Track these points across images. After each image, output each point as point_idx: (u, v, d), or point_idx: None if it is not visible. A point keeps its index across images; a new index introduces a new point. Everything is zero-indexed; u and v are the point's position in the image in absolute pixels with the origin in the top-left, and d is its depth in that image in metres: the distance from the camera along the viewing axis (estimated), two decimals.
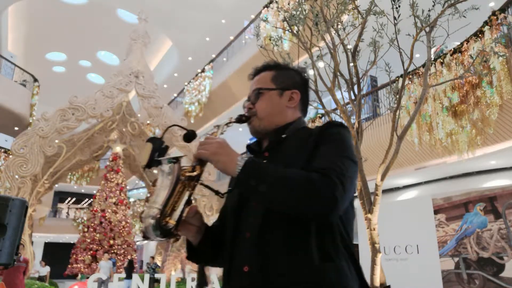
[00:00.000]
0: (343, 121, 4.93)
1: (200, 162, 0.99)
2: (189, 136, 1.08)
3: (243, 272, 0.96)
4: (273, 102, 1.15)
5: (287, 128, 1.12)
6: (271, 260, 0.93)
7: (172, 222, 0.92)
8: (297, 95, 1.17)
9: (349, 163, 0.96)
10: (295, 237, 0.94)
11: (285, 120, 1.14)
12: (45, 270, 13.22)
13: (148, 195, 1.01)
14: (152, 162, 0.97)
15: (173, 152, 11.07)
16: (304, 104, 1.22)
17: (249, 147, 1.20)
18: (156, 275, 8.54)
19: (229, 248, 1.04)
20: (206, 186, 1.04)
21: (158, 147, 0.99)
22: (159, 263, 10.50)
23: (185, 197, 0.96)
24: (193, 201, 1.00)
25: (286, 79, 1.18)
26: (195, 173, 0.97)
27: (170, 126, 1.19)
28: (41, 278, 12.81)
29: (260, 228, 0.96)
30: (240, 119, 1.13)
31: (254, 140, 1.23)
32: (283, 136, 1.11)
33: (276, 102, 1.15)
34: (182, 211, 0.95)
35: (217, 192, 1.08)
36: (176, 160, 0.97)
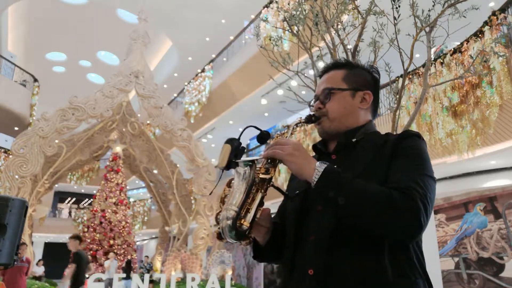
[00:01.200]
0: None
1: (273, 163, 0.97)
2: (263, 136, 1.04)
3: (308, 275, 0.93)
4: (345, 103, 1.10)
5: (357, 132, 1.08)
6: (339, 267, 0.90)
7: (246, 224, 0.92)
8: (369, 96, 1.12)
9: (430, 182, 0.92)
10: (368, 249, 0.90)
11: (357, 123, 1.10)
12: (41, 270, 13.21)
13: (223, 196, 1.01)
14: (230, 164, 0.97)
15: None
16: (375, 106, 1.16)
17: (315, 147, 1.16)
18: (155, 276, 8.54)
19: (291, 250, 1.01)
20: (277, 188, 1.02)
21: (236, 148, 0.98)
22: (159, 263, 10.49)
23: (258, 199, 0.95)
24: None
25: (358, 78, 1.13)
26: (269, 176, 0.96)
27: (248, 126, 1.11)
28: (37, 278, 12.80)
29: (327, 232, 0.93)
30: (309, 119, 1.10)
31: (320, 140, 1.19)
32: (354, 140, 1.06)
33: (348, 103, 1.10)
34: (256, 213, 0.95)
35: (286, 195, 1.07)
36: (252, 162, 0.95)
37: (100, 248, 11.24)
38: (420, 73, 7.34)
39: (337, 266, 0.90)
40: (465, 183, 8.40)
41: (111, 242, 11.40)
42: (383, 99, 9.15)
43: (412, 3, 3.96)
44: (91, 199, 20.07)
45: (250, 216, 0.93)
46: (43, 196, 10.36)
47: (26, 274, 6.08)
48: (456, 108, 6.53)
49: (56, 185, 12.22)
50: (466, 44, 6.62)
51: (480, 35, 6.36)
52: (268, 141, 1.07)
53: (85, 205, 25.32)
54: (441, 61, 6.91)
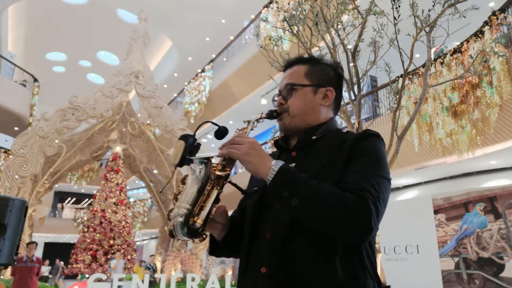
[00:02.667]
0: (343, 121, 4.93)
1: (230, 160, 0.97)
2: (221, 132, 1.03)
3: (260, 273, 0.93)
4: (307, 99, 1.09)
5: (318, 129, 1.07)
6: (291, 267, 0.91)
7: (199, 221, 0.91)
8: (331, 93, 1.11)
9: (385, 183, 0.92)
10: (321, 249, 0.91)
11: (318, 120, 1.09)
12: (47, 270, 13.21)
13: (177, 193, 0.99)
14: (184, 161, 0.95)
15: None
16: (337, 103, 1.15)
17: (276, 142, 1.15)
18: (156, 276, 8.54)
19: (246, 244, 1.02)
20: (234, 185, 1.01)
21: (191, 145, 0.96)
22: (158, 264, 10.49)
23: (214, 196, 0.94)
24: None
25: (321, 74, 1.12)
26: (225, 173, 0.95)
27: (204, 123, 1.10)
28: (43, 279, 12.79)
29: (282, 231, 0.94)
30: (270, 115, 1.09)
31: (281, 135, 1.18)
32: (314, 137, 1.06)
33: (310, 99, 1.09)
34: (210, 210, 0.94)
35: (244, 192, 1.06)
36: (207, 159, 0.95)
37: (100, 248, 11.24)
38: (420, 73, 7.34)
39: (289, 265, 0.91)
40: (465, 183, 8.40)
41: (111, 242, 11.40)
42: (383, 99, 9.15)
43: (412, 3, 3.96)
44: (91, 199, 20.06)
45: (204, 213, 0.92)
46: (43, 196, 10.36)
47: (38, 275, 5.95)
48: (456, 108, 6.53)
49: (56, 185, 12.22)
50: (466, 44, 6.62)
51: (480, 35, 6.36)
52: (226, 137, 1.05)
53: (85, 205, 25.33)
54: (441, 61, 6.91)
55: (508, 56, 5.77)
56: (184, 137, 0.97)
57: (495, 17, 6.17)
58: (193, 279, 6.54)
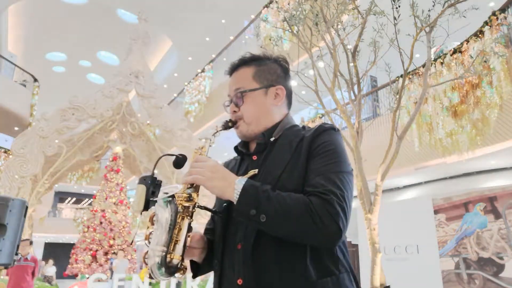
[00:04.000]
0: (343, 121, 4.93)
1: (195, 188, 0.96)
2: (179, 162, 1.02)
3: (237, 284, 0.93)
4: (259, 103, 1.07)
5: (275, 129, 1.07)
6: (266, 275, 0.91)
7: (177, 257, 0.90)
8: (282, 91, 1.10)
9: (347, 178, 0.93)
10: (290, 252, 0.91)
11: (273, 120, 1.08)
12: (52, 270, 13.17)
13: (148, 233, 0.97)
14: (148, 204, 0.94)
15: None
16: (289, 97, 1.14)
17: (236, 148, 1.15)
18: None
19: (219, 257, 1.01)
20: (204, 208, 1.01)
21: (152, 186, 0.95)
22: None
23: (186, 227, 0.93)
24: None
25: (268, 73, 1.10)
26: (192, 203, 0.94)
27: (160, 157, 1.08)
28: (48, 279, 12.76)
29: (253, 241, 0.94)
30: (226, 126, 1.08)
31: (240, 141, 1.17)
32: (272, 139, 1.05)
33: (261, 102, 1.08)
34: (185, 242, 0.93)
35: (215, 212, 1.06)
36: (172, 197, 0.93)
37: (100, 248, 11.24)
38: (420, 73, 7.34)
39: (264, 274, 0.91)
40: (465, 183, 8.39)
41: (111, 242, 11.40)
42: (383, 99, 9.15)
43: (412, 3, 3.96)
44: (91, 199, 20.06)
45: (179, 247, 0.91)
46: (43, 196, 10.36)
47: (34, 275, 5.57)
48: (456, 108, 6.53)
49: (56, 185, 12.22)
50: (466, 44, 6.61)
51: (480, 35, 6.35)
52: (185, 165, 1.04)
53: (85, 205, 25.33)
54: (441, 61, 6.91)
55: (508, 56, 5.77)
56: (143, 180, 0.96)
57: (495, 17, 6.17)
58: (193, 279, 6.54)
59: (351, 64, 4.61)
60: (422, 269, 8.52)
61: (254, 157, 1.06)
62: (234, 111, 1.09)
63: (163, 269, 0.89)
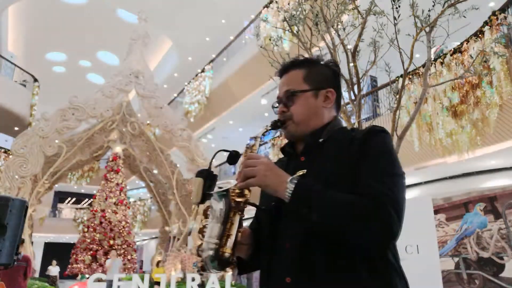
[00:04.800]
0: (343, 121, 4.93)
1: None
2: (233, 157, 1.03)
3: (286, 283, 0.94)
4: (309, 105, 1.09)
5: (323, 131, 1.07)
6: (315, 275, 0.91)
7: (228, 251, 0.93)
8: (332, 94, 1.11)
9: (400, 181, 0.93)
10: (342, 253, 0.90)
11: (322, 122, 1.09)
12: (56, 270, 13.17)
13: (202, 226, 1.00)
14: (205, 197, 0.98)
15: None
16: (338, 101, 1.15)
17: (283, 149, 1.15)
18: (156, 275, 8.52)
19: (267, 256, 1.02)
20: (253, 205, 1.03)
21: (208, 179, 0.99)
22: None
23: (237, 223, 0.96)
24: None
25: (319, 76, 1.11)
26: (244, 199, 0.97)
27: (217, 152, 1.09)
28: (52, 279, 12.76)
29: (302, 240, 0.94)
30: (275, 125, 1.09)
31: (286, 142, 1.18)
32: (320, 140, 1.05)
33: (312, 104, 1.09)
34: (236, 237, 0.95)
35: (263, 210, 1.08)
36: (226, 191, 0.96)
37: (100, 248, 11.24)
38: (420, 73, 7.34)
39: (313, 273, 0.91)
40: (465, 183, 8.39)
41: (111, 242, 11.40)
42: (383, 99, 9.15)
43: (412, 3, 3.96)
44: (91, 199, 20.05)
45: (231, 241, 0.94)
46: (43, 196, 10.36)
47: (26, 276, 5.34)
48: (456, 108, 6.53)
49: (56, 185, 12.22)
50: (466, 44, 6.61)
51: (480, 35, 6.35)
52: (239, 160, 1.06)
53: (85, 205, 25.33)
54: (441, 61, 6.91)
55: (508, 56, 5.77)
56: (200, 173, 0.99)
57: (495, 17, 6.17)
58: (193, 279, 6.54)
59: (351, 64, 4.61)
60: (422, 269, 8.52)
61: (302, 158, 1.07)
62: (283, 111, 1.10)
63: (216, 262, 0.92)
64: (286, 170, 0.99)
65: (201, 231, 0.97)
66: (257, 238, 1.09)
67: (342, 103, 4.83)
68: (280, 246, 0.99)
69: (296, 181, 0.91)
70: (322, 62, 1.15)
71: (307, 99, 1.09)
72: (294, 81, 1.11)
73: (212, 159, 1.08)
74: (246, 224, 1.11)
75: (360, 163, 0.94)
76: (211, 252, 0.92)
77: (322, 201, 0.88)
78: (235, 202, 0.96)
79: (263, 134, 1.07)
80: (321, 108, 1.10)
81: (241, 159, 1.01)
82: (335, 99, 1.13)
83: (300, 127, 1.08)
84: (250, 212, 1.03)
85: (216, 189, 0.97)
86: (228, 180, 0.97)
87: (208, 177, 0.99)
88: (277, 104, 1.14)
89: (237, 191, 0.97)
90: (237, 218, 0.96)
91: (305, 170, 0.99)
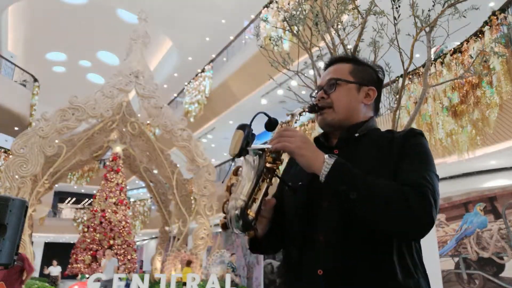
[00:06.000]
0: None
1: (280, 154, 0.95)
2: (272, 124, 1.00)
3: (318, 275, 0.92)
4: (351, 96, 1.09)
5: (360, 127, 1.07)
6: (351, 268, 0.90)
7: (252, 214, 0.91)
8: (373, 92, 1.12)
9: (436, 179, 0.94)
10: (377, 249, 0.91)
11: (359, 117, 1.09)
12: (57, 271, 13.16)
13: (230, 184, 0.98)
14: (242, 151, 0.94)
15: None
16: (377, 103, 1.16)
17: (317, 140, 1.14)
18: (156, 275, 8.52)
19: (297, 247, 0.99)
20: (281, 179, 1.00)
21: (247, 135, 0.95)
22: (159, 264, 10.49)
23: (264, 189, 0.94)
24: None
25: (365, 74, 1.13)
26: (275, 166, 0.94)
27: (259, 113, 1.04)
28: (53, 279, 12.75)
29: (338, 233, 0.93)
30: (313, 109, 1.07)
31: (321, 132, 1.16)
32: (356, 135, 1.05)
33: (353, 96, 1.09)
34: (261, 204, 0.93)
35: (289, 187, 1.04)
36: (263, 151, 0.93)
37: (100, 248, 11.24)
38: (420, 73, 7.34)
39: (347, 267, 0.90)
40: (465, 183, 8.40)
41: (111, 242, 11.40)
42: (383, 99, 9.15)
43: (412, 3, 3.96)
44: (91, 199, 20.05)
45: (256, 206, 0.91)
46: (43, 196, 10.36)
47: (23, 275, 5.18)
48: (456, 108, 6.53)
49: (56, 185, 12.22)
50: (466, 44, 6.62)
51: (480, 35, 6.36)
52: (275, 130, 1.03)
53: (85, 205, 25.32)
54: (441, 61, 6.91)
55: (508, 56, 5.77)
56: (242, 127, 0.96)
57: (495, 17, 6.17)
58: (193, 279, 6.54)
59: None
60: None
61: (336, 151, 1.05)
62: (322, 97, 1.09)
63: (241, 221, 0.89)
64: None
65: (229, 189, 0.95)
66: (275, 220, 1.05)
67: None
68: (312, 237, 0.96)
69: (335, 158, 0.90)
70: (369, 64, 1.17)
71: (349, 90, 1.09)
72: (339, 72, 1.11)
73: (253, 119, 1.04)
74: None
75: (400, 162, 0.95)
76: (237, 211, 0.89)
77: (362, 179, 0.87)
78: (266, 168, 0.93)
79: (300, 114, 1.05)
80: (361, 104, 1.10)
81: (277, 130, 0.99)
82: (374, 100, 1.13)
83: (338, 116, 1.07)
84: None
85: (253, 147, 0.94)
86: (264, 145, 0.96)
87: (248, 133, 0.95)
88: (316, 93, 1.13)
89: (272, 156, 0.94)
90: (265, 185, 0.93)
91: None
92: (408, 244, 0.95)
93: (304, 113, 1.05)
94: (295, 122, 1.04)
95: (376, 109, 1.17)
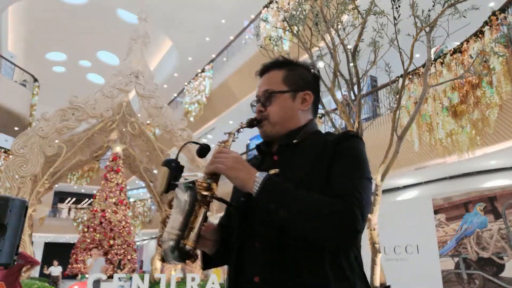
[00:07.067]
0: (343, 121, 4.93)
1: (215, 178, 0.97)
2: (203, 150, 1.04)
3: (254, 282, 0.94)
4: (286, 106, 1.10)
5: (299, 132, 1.09)
6: (285, 275, 0.91)
7: (190, 244, 0.93)
8: (310, 97, 1.13)
9: (367, 184, 0.96)
10: (310, 253, 0.92)
11: (298, 124, 1.10)
12: (58, 270, 13.15)
13: (165, 217, 1.00)
14: (170, 187, 0.96)
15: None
16: (315, 104, 1.17)
17: (258, 147, 1.16)
18: (156, 275, 8.51)
19: (236, 254, 1.02)
20: (220, 200, 1.02)
21: (175, 170, 0.98)
22: (159, 264, 10.49)
23: (201, 216, 0.95)
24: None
25: (298, 79, 1.13)
26: (211, 192, 0.96)
27: (185, 144, 1.13)
28: (53, 279, 12.74)
29: (272, 240, 0.95)
30: (251, 123, 1.10)
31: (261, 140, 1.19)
32: (295, 141, 1.07)
33: (289, 105, 1.10)
34: (199, 231, 0.95)
35: (232, 205, 1.08)
36: (192, 183, 0.96)
37: (100, 248, 11.24)
38: (420, 73, 7.34)
39: (282, 273, 0.92)
40: (465, 183, 8.40)
41: (111, 242, 11.40)
42: (383, 99, 9.15)
43: (412, 3, 3.96)
44: (91, 199, 20.05)
45: (193, 234, 0.94)
46: (43, 196, 10.36)
47: (20, 271, 5.15)
48: (456, 108, 6.53)
49: (56, 185, 12.22)
50: (466, 44, 6.61)
51: (480, 35, 6.35)
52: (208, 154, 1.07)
53: (85, 205, 25.32)
54: (441, 61, 6.91)
55: (508, 56, 5.77)
56: (167, 163, 0.98)
57: (495, 17, 6.17)
58: (193, 279, 6.53)
59: (351, 64, 4.61)
60: (422, 269, 8.52)
61: (275, 158, 1.07)
62: (260, 111, 1.11)
63: (176, 253, 0.92)
64: (259, 168, 1.00)
65: (164, 222, 0.98)
66: (226, 235, 1.09)
67: (343, 103, 4.83)
68: (249, 245, 0.99)
69: (265, 175, 0.92)
70: (303, 65, 1.16)
71: (284, 101, 1.10)
72: (273, 81, 1.12)
73: (180, 150, 1.09)
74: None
75: (331, 165, 0.96)
76: (171, 243, 0.91)
77: (290, 197, 0.89)
78: (201, 195, 0.96)
79: (238, 131, 1.07)
80: (298, 111, 1.11)
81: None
82: (312, 102, 1.14)
83: (275, 128, 1.09)
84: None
85: (182, 180, 0.96)
86: (195, 173, 0.98)
87: (174, 167, 0.98)
88: (255, 103, 1.15)
89: (204, 184, 0.96)
90: (202, 211, 0.95)
91: (278, 170, 1.01)
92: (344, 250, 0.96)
93: (242, 130, 1.08)
94: (233, 140, 1.06)
95: (316, 110, 1.18)
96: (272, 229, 0.95)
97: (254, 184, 0.90)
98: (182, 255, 0.92)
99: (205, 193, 0.96)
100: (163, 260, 0.96)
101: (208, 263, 1.13)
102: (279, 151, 1.08)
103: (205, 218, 0.97)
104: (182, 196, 0.95)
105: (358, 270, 0.97)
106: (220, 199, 1.02)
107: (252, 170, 0.94)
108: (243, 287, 0.98)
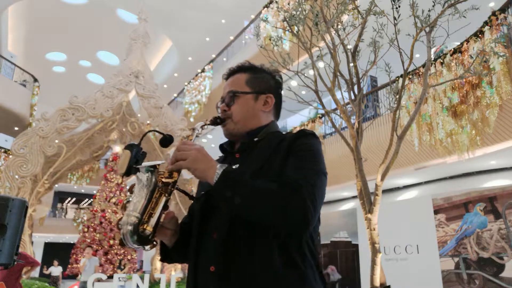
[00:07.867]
0: (343, 121, 4.93)
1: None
2: (165, 140, 1.06)
3: (210, 271, 0.97)
4: (248, 106, 1.16)
5: (260, 132, 1.14)
6: (236, 263, 0.95)
7: (149, 229, 0.93)
8: (271, 100, 1.19)
9: (321, 177, 0.98)
10: (261, 242, 0.96)
11: (259, 124, 1.16)
12: (58, 271, 13.14)
13: (125, 201, 1.00)
14: (130, 170, 0.97)
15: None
16: (277, 108, 1.24)
17: (222, 146, 1.22)
18: (156, 275, 8.51)
19: (194, 245, 1.06)
20: (182, 191, 1.05)
21: (136, 154, 0.99)
22: (159, 264, 10.49)
23: (162, 203, 0.96)
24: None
25: (261, 82, 1.20)
26: (172, 180, 0.97)
27: (147, 132, 1.20)
28: (53, 279, 12.73)
29: (227, 230, 0.98)
30: (215, 121, 1.15)
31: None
32: (255, 139, 1.13)
33: (251, 106, 1.16)
34: (159, 217, 0.96)
35: (191, 197, 1.11)
36: (154, 167, 0.97)
37: (100, 248, 11.24)
38: (420, 73, 7.34)
39: (235, 262, 0.95)
40: (465, 183, 8.39)
41: (111, 242, 11.41)
42: (383, 99, 9.15)
43: (412, 3, 3.96)
44: (91, 199, 20.05)
45: (153, 220, 0.94)
46: (43, 196, 10.36)
47: (21, 272, 5.09)
48: (456, 108, 6.53)
49: (56, 185, 12.22)
50: (466, 44, 6.61)
51: (480, 35, 6.35)
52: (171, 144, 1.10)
53: (85, 205, 25.32)
54: (441, 61, 6.91)
55: (508, 56, 5.77)
56: (129, 147, 0.99)
57: (495, 17, 6.17)
58: None
59: (351, 64, 4.61)
60: (422, 269, 8.52)
61: (237, 155, 1.14)
62: (224, 110, 1.17)
63: (135, 237, 0.92)
64: None
65: (124, 206, 0.97)
66: (187, 232, 1.12)
67: (342, 103, 4.83)
68: (207, 236, 1.02)
69: (224, 167, 0.95)
70: (267, 71, 1.24)
71: (247, 101, 1.17)
72: (237, 83, 1.19)
73: (143, 136, 1.13)
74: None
75: (286, 159, 1.01)
76: (130, 227, 0.91)
77: (246, 186, 0.92)
78: (162, 182, 0.97)
79: (201, 127, 1.11)
80: (259, 111, 1.18)
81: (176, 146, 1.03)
82: (274, 105, 1.21)
83: (237, 126, 1.15)
84: None
85: (144, 164, 0.97)
86: (156, 161, 0.99)
87: (136, 151, 0.99)
88: (220, 104, 1.21)
89: (166, 173, 0.98)
90: (162, 199, 0.96)
91: (238, 166, 1.07)
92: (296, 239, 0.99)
93: (205, 127, 1.13)
94: (197, 136, 1.09)
95: (278, 113, 1.24)
96: (227, 220, 0.98)
97: (215, 175, 0.93)
98: (142, 239, 0.93)
99: (167, 180, 0.97)
100: (121, 243, 0.95)
101: (166, 255, 1.16)
102: (241, 149, 1.14)
103: (166, 207, 0.98)
104: (143, 180, 0.96)
105: (311, 259, 1.00)
106: (181, 190, 1.05)
107: (213, 162, 0.97)
108: (202, 277, 1.01)
